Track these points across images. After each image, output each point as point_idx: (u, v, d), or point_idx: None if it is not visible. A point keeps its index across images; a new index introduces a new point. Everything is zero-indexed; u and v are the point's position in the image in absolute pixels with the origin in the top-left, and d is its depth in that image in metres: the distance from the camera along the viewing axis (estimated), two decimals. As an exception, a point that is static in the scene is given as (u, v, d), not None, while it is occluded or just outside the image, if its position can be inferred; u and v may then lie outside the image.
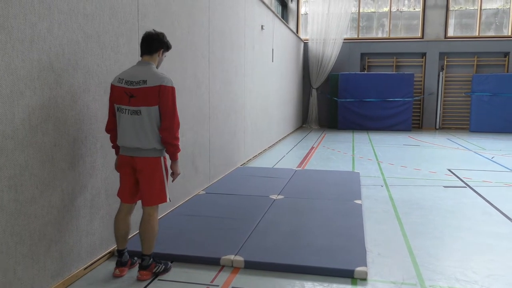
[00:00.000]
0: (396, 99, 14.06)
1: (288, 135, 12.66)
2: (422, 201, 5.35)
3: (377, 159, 8.50)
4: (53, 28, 2.78)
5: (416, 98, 14.58)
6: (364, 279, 3.12)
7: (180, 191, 4.86)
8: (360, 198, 5.20)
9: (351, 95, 14.34)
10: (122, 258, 3.19)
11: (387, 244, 3.86)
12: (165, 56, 3.15)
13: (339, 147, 10.31)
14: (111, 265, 3.34)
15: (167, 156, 3.09)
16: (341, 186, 5.83)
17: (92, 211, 3.25)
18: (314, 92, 15.53)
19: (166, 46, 3.09)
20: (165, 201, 3.06)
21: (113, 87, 3.01)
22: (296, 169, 7.13)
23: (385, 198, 5.51)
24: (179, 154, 3.14)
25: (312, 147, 10.25)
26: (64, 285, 2.96)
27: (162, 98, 2.91)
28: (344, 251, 3.50)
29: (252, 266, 3.29)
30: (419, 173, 7.16)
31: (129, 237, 3.41)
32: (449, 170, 7.39)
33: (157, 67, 3.08)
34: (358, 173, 6.82)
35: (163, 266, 3.21)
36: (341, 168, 7.52)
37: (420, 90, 14.89)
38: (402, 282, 3.11)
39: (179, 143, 3.02)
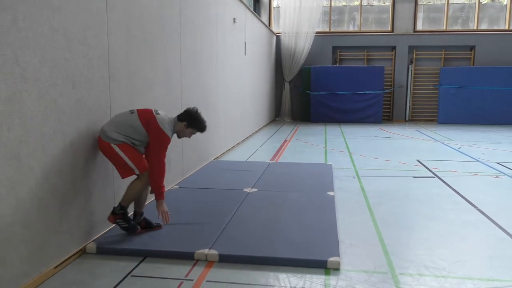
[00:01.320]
0: (367, 92, 14.26)
1: (261, 128, 12.67)
2: (393, 192, 5.46)
3: (349, 151, 8.61)
4: (18, 21, 2.69)
5: (387, 91, 14.85)
6: (337, 269, 3.18)
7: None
8: (332, 190, 5.27)
9: (323, 88, 14.45)
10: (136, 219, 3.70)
11: (359, 235, 3.92)
12: (191, 133, 3.59)
13: (312, 139, 10.38)
14: (83, 263, 3.29)
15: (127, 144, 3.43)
16: (314, 178, 5.88)
17: (62, 209, 3.18)
18: (287, 86, 15.57)
19: (191, 124, 3.56)
20: (134, 173, 3.48)
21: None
22: (270, 162, 7.15)
23: (357, 189, 5.59)
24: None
25: (285, 140, 10.29)
26: (34, 285, 2.89)
27: (152, 132, 3.37)
28: (318, 242, 3.54)
29: (227, 260, 3.30)
30: (390, 164, 7.29)
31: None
32: (418, 160, 7.56)
33: (177, 133, 3.61)
34: (331, 165, 6.89)
35: (126, 226, 3.57)
36: (314, 160, 7.57)
37: (390, 83, 15.16)
38: (374, 270, 3.18)
39: (163, 190, 3.48)
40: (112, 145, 3.42)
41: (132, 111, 3.54)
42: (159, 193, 3.56)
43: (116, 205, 3.77)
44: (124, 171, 3.50)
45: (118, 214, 3.61)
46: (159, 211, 3.58)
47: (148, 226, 3.76)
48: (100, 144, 3.46)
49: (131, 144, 3.46)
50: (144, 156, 3.57)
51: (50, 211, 3.06)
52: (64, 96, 3.14)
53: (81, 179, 3.42)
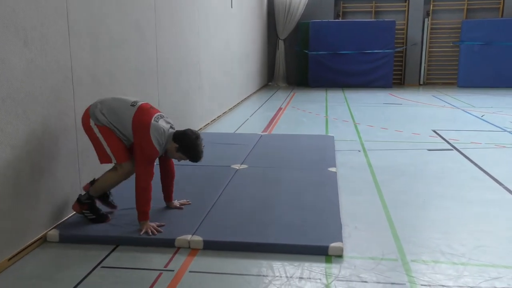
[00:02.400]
0: (375, 51, 14.20)
1: (251, 95, 12.62)
2: (404, 167, 5.50)
3: (353, 121, 8.62)
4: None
5: (398, 49, 14.79)
6: (339, 256, 3.21)
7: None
8: (334, 166, 5.29)
9: (324, 47, 14.36)
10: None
11: (365, 217, 3.96)
12: (180, 158, 3.53)
13: (310, 107, 10.37)
14: (44, 253, 3.29)
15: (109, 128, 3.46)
16: (313, 152, 5.90)
17: (16, 190, 3.15)
18: (281, 44, 15.44)
19: (183, 150, 3.50)
20: (111, 162, 3.51)
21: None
22: (262, 134, 7.15)
23: (363, 164, 5.62)
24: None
25: (280, 108, 10.27)
26: (-14, 278, 2.89)
27: (138, 137, 3.40)
28: (317, 226, 3.57)
29: (212, 247, 3.32)
30: (401, 135, 7.33)
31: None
32: (434, 131, 7.60)
33: (166, 151, 3.55)
34: (332, 137, 6.91)
35: (94, 217, 3.61)
36: (313, 131, 7.58)
37: (402, 40, 15.09)
38: (382, 257, 3.22)
39: (147, 209, 3.47)
40: (92, 124, 3.45)
41: (134, 104, 3.49)
42: (142, 212, 3.48)
43: (82, 193, 3.76)
44: (102, 156, 3.52)
45: (84, 203, 3.63)
46: (142, 231, 3.45)
47: (92, 210, 3.71)
48: (83, 116, 3.53)
49: (113, 130, 3.47)
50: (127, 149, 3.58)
51: (0, 193, 3.03)
52: (14, 56, 3.07)
53: (39, 155, 3.38)
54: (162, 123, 3.48)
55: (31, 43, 3.24)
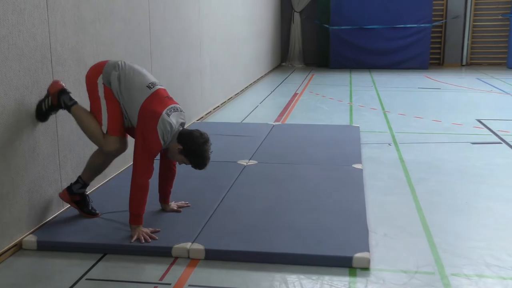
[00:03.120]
0: (408, 26, 14.11)
1: (261, 77, 12.60)
2: (443, 163, 5.48)
3: (383, 108, 8.60)
4: None
5: (436, 23, 14.67)
6: (366, 268, 3.21)
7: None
8: (360, 162, 5.28)
9: (348, 20, 14.29)
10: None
11: (396, 222, 3.95)
12: (181, 161, 3.58)
13: (331, 92, 10.34)
14: (19, 263, 3.32)
15: (114, 90, 3.55)
16: (335, 146, 5.89)
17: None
18: (296, 18, 15.39)
19: (186, 153, 3.51)
20: (100, 127, 3.58)
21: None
22: (274, 123, 7.15)
23: (394, 160, 5.61)
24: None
25: (295, 94, 10.25)
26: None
27: (141, 125, 3.45)
28: (339, 233, 3.57)
29: (215, 257, 3.33)
30: (439, 125, 7.30)
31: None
32: (479, 121, 7.56)
33: (167, 149, 3.59)
34: (358, 127, 6.89)
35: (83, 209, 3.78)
36: (335, 121, 7.56)
37: (441, 13, 14.97)
38: (416, 270, 3.21)
39: (141, 212, 3.50)
40: (99, 81, 3.56)
41: (151, 86, 3.55)
42: (135, 215, 3.51)
43: (73, 181, 3.84)
44: (94, 114, 3.62)
45: (76, 194, 3.75)
46: (133, 238, 3.47)
47: (82, 205, 3.83)
48: (92, 69, 3.66)
49: (117, 99, 3.56)
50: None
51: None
52: (-16, 33, 3.09)
53: (13, 149, 3.41)
54: (173, 118, 3.50)
55: (3, 17, 3.26)
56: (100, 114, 3.57)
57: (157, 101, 3.50)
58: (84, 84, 3.71)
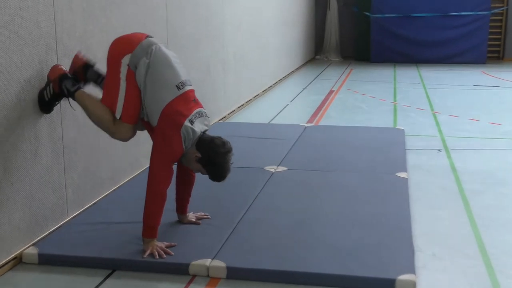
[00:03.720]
0: (463, 14, 13.98)
1: (292, 72, 12.60)
2: (502, 173, 5.42)
3: (432, 109, 8.53)
4: None
5: (496, 10, 14.49)
6: (410, 293, 3.18)
7: (128, 160, 4.87)
8: (405, 170, 5.25)
9: (392, 7, 14.23)
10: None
11: (446, 240, 3.91)
12: (197, 170, 3.60)
13: (372, 90, 10.30)
14: (18, 278, 3.35)
15: (137, 74, 3.52)
16: (376, 151, 5.87)
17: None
18: (333, 4, 15.36)
19: (205, 163, 3.52)
20: (113, 111, 3.57)
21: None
22: (306, 125, 7.14)
23: (445, 168, 5.57)
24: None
25: (331, 91, 10.23)
26: None
27: (164, 122, 3.47)
28: (380, 251, 3.55)
29: (238, 275, 3.33)
30: (498, 129, 7.22)
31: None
32: (544, 124, 7.46)
33: (183, 156, 3.55)
34: (403, 130, 6.85)
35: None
36: (376, 123, 7.54)
37: (501, -1, 14.79)
38: (469, 296, 3.18)
39: (156, 224, 3.51)
40: (124, 62, 3.52)
41: (180, 87, 3.54)
42: (150, 227, 3.53)
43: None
44: (107, 98, 3.59)
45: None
46: (145, 253, 3.49)
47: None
48: (118, 43, 3.64)
49: (139, 87, 3.55)
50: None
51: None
52: (-17, 20, 3.15)
53: (13, 150, 3.45)
54: (197, 124, 3.52)
55: (4, 3, 3.31)
56: (116, 97, 3.55)
57: (183, 104, 3.51)
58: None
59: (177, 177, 3.87)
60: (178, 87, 3.53)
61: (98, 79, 3.79)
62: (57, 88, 3.64)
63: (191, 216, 3.99)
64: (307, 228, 3.93)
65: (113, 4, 4.57)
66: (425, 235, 3.96)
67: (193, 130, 3.47)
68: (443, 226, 4.15)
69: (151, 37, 3.67)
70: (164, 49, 3.63)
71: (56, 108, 3.82)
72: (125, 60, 3.52)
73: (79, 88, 3.68)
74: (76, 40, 4.03)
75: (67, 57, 3.94)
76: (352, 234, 3.80)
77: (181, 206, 3.96)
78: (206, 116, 3.64)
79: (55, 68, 3.71)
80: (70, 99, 3.70)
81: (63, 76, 3.66)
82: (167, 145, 3.45)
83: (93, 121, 3.67)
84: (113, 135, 3.66)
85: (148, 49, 3.54)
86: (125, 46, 3.58)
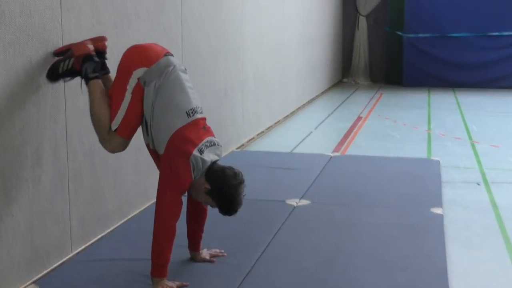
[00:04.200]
0: (505, 34, 13.96)
1: (317, 96, 12.62)
2: (548, 210, 5.36)
3: (470, 138, 8.50)
4: None
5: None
6: None
7: (137, 191, 4.91)
8: (440, 205, 5.22)
9: (427, 26, 14.26)
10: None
11: (486, 284, 3.88)
12: (205, 203, 3.63)
13: (404, 116, 10.29)
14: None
15: (147, 91, 3.55)
16: (408, 184, 5.85)
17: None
18: (362, 23, 15.41)
19: (214, 195, 3.52)
20: (111, 120, 3.59)
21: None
22: (332, 154, 7.14)
23: (484, 204, 5.54)
24: None
25: (359, 118, 10.24)
26: None
27: (171, 151, 3.49)
28: (413, 295, 3.52)
29: (256, 320, 3.33)
30: (544, 162, 7.17)
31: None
32: None
33: (192, 187, 3.57)
34: (438, 161, 6.82)
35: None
36: (409, 153, 7.52)
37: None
38: None
39: (165, 262, 3.52)
40: (134, 75, 3.55)
41: (191, 114, 3.55)
42: (159, 265, 3.54)
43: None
44: (111, 103, 3.61)
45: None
46: None
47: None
48: (133, 52, 3.69)
49: (144, 113, 3.59)
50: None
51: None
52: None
53: (14, 177, 3.49)
54: (207, 154, 3.53)
55: (10, 21, 3.37)
56: (118, 108, 3.57)
57: (193, 132, 3.52)
58: None
59: (187, 210, 3.86)
60: (188, 114, 3.54)
61: (91, 74, 3.72)
62: (78, 66, 3.67)
63: (205, 253, 3.99)
64: (333, 268, 3.91)
65: (124, 20, 4.64)
66: (462, 278, 3.93)
67: (203, 160, 3.47)
68: (482, 269, 4.11)
69: (171, 54, 3.70)
70: (180, 72, 3.65)
71: (62, 135, 3.87)
72: (137, 73, 3.55)
73: (97, 77, 3.69)
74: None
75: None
76: (383, 276, 3.78)
77: (194, 243, 3.95)
78: (218, 145, 3.65)
79: (83, 44, 3.74)
80: (83, 83, 3.72)
81: (88, 57, 3.68)
82: (175, 175, 3.46)
83: (92, 118, 3.67)
84: (103, 142, 3.67)
85: (165, 69, 3.57)
86: (141, 58, 3.60)
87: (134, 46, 3.76)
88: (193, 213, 3.87)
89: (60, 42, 3.83)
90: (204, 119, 3.66)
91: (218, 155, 3.63)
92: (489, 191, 5.94)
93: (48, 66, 3.68)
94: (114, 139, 3.62)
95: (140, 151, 4.47)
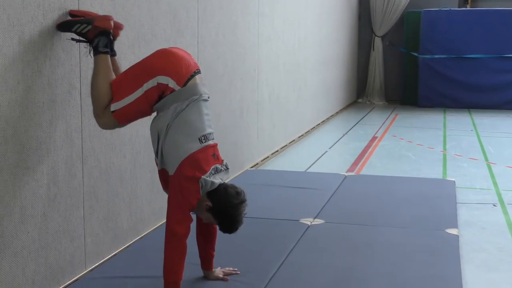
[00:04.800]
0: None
1: (332, 116, 12.63)
2: None
3: (486, 159, 8.47)
4: None
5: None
6: None
7: (152, 209, 4.92)
8: (456, 226, 5.19)
9: (442, 47, 14.25)
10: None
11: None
12: (207, 220, 3.66)
13: (420, 137, 10.28)
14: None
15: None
16: (423, 205, 5.83)
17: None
18: (378, 44, 15.43)
19: (215, 213, 3.58)
20: (113, 100, 3.60)
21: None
22: (347, 174, 7.13)
23: (500, 225, 5.50)
24: None
25: (374, 138, 10.23)
26: None
27: (181, 173, 3.52)
28: (427, 316, 3.49)
29: None
30: (560, 183, 7.10)
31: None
32: None
33: (195, 206, 3.59)
34: (453, 182, 6.81)
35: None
36: (424, 173, 7.50)
37: None
38: None
39: (178, 279, 3.54)
40: (158, 78, 3.55)
41: (203, 140, 3.59)
42: (171, 282, 3.57)
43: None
44: (121, 86, 3.62)
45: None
46: None
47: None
48: (163, 55, 3.69)
49: (151, 102, 3.60)
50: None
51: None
52: (4, 57, 3.24)
53: (30, 195, 3.50)
54: (214, 178, 3.57)
55: (30, 41, 3.41)
56: (126, 95, 3.58)
57: (203, 160, 3.55)
58: None
59: (197, 230, 3.89)
60: (200, 140, 3.57)
61: (102, 49, 3.73)
62: (91, 35, 3.67)
63: (218, 271, 3.98)
64: (346, 288, 3.90)
65: (142, 41, 4.68)
66: (477, 300, 3.90)
67: (212, 182, 3.52)
68: (499, 291, 4.09)
69: (199, 71, 3.72)
70: (202, 101, 3.67)
71: (77, 153, 3.90)
72: (160, 78, 3.55)
73: (107, 53, 3.70)
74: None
75: (90, 97, 4.03)
76: (396, 297, 3.76)
77: (206, 261, 3.96)
78: (226, 169, 3.70)
79: (107, 19, 3.73)
80: (92, 53, 3.73)
81: (105, 32, 3.69)
82: (184, 192, 3.50)
83: (91, 90, 3.69)
84: (96, 116, 3.67)
85: (190, 97, 3.58)
86: (171, 68, 3.58)
87: (169, 52, 3.75)
88: (203, 233, 3.89)
89: (77, 62, 3.86)
90: (215, 145, 3.70)
91: (222, 180, 3.67)
92: (505, 212, 5.90)
93: (62, 20, 3.70)
94: (108, 118, 3.62)
95: (155, 171, 4.47)
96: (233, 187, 3.62)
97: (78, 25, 3.66)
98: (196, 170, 3.49)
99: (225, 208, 3.54)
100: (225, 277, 3.96)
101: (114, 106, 3.57)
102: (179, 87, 3.54)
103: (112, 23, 3.73)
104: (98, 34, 3.66)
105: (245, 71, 7.14)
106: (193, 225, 3.61)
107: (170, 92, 3.54)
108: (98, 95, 3.63)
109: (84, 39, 3.70)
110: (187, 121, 3.56)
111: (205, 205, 3.56)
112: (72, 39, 3.73)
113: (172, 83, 3.54)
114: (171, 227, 3.52)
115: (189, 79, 3.59)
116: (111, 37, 3.74)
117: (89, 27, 3.65)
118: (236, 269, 4.07)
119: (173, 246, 3.51)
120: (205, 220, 3.70)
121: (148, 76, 3.56)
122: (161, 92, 3.55)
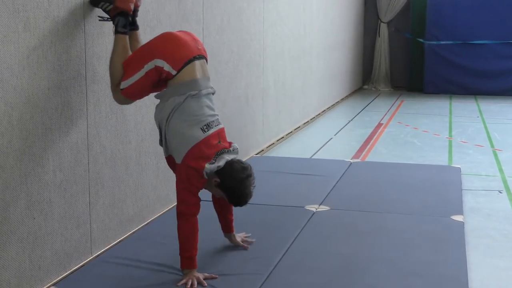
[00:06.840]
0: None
1: (338, 103, 12.61)
2: None
3: (492, 146, 8.45)
4: None
5: None
6: None
7: (157, 195, 4.93)
8: (461, 213, 5.19)
9: (449, 34, 14.18)
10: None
11: (507, 292, 3.84)
12: (218, 195, 3.84)
13: (425, 123, 10.26)
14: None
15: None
16: (429, 191, 5.82)
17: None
18: (383, 30, 15.38)
19: (225, 189, 3.73)
20: (122, 79, 3.78)
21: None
22: (352, 161, 7.14)
23: (506, 212, 5.50)
24: None
25: (380, 124, 10.22)
26: None
27: (188, 161, 3.66)
28: (432, 303, 3.50)
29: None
30: None
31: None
32: None
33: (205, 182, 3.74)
34: (459, 168, 6.80)
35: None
36: (429, 160, 7.50)
37: None
38: None
39: (193, 254, 3.70)
40: (156, 60, 3.68)
41: (206, 129, 3.71)
42: (186, 257, 3.73)
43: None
44: (128, 66, 3.78)
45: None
46: (180, 282, 3.67)
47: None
48: (166, 40, 3.82)
49: (153, 82, 3.76)
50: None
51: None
52: (9, 44, 3.24)
53: (36, 182, 3.52)
54: (219, 161, 3.68)
55: (34, 26, 3.42)
56: (131, 73, 3.74)
57: (206, 148, 3.68)
58: None
59: (213, 200, 4.10)
60: (203, 130, 3.69)
61: (121, 29, 3.90)
62: (112, 14, 3.86)
63: (239, 237, 4.24)
64: (352, 275, 3.90)
65: (147, 27, 4.66)
66: (483, 286, 3.90)
67: (218, 166, 3.66)
68: (503, 278, 4.07)
69: (201, 58, 3.85)
70: (203, 97, 3.78)
71: (83, 139, 3.91)
72: (158, 62, 3.69)
73: (125, 33, 3.89)
74: (106, 66, 4.12)
75: (97, 84, 4.04)
76: (402, 284, 3.77)
77: (226, 226, 4.18)
78: (233, 150, 3.83)
79: (128, 0, 3.87)
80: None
81: (125, 13, 3.86)
82: (190, 182, 3.66)
83: (109, 66, 3.89)
84: (112, 91, 3.88)
85: (188, 92, 3.70)
86: (168, 51, 3.73)
87: (171, 35, 3.88)
88: (218, 201, 4.07)
89: (83, 48, 3.87)
90: (220, 131, 3.83)
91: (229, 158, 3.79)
92: (511, 199, 5.90)
93: None
94: (120, 96, 3.84)
95: (160, 157, 4.50)
96: (239, 162, 3.77)
97: (103, 3, 3.88)
98: (200, 160, 3.62)
99: (232, 183, 3.69)
100: (245, 245, 4.18)
101: (122, 84, 3.78)
102: (174, 71, 3.68)
103: (132, 6, 3.88)
104: (118, 14, 3.84)
105: (250, 57, 7.13)
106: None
107: (167, 75, 3.68)
108: (114, 72, 3.83)
109: (107, 18, 3.91)
110: (187, 113, 3.69)
111: (214, 181, 3.70)
112: (99, 17, 3.93)
113: (167, 67, 3.68)
114: (180, 208, 3.69)
115: (186, 64, 3.71)
116: (130, 18, 3.92)
117: (111, 6, 3.86)
118: (250, 234, 4.34)
119: (183, 224, 3.68)
120: (216, 195, 3.89)
121: (148, 58, 3.71)
122: (160, 74, 3.69)
